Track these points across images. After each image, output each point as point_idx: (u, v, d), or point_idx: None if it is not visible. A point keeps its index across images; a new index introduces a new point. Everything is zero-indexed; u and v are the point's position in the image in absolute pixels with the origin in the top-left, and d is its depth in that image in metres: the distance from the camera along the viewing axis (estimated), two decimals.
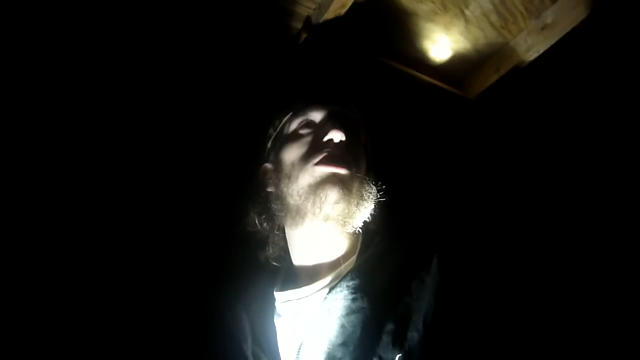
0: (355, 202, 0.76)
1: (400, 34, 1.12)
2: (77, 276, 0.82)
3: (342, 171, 0.75)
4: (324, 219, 0.75)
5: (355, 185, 0.76)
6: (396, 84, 1.15)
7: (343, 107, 0.90)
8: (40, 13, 0.88)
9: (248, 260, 0.87)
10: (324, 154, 0.76)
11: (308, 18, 1.06)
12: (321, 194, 0.74)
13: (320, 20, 1.02)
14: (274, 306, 0.81)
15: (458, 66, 1.15)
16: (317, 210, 0.75)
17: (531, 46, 0.99)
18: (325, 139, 0.79)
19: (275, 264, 0.88)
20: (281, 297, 0.80)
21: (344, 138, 0.77)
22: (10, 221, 0.81)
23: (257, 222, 0.86)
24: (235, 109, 1.06)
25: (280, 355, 0.75)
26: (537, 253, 0.73)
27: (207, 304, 0.81)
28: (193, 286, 0.87)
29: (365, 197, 0.78)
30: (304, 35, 1.09)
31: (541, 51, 0.97)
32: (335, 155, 0.77)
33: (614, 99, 0.91)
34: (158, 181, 0.97)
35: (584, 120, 0.97)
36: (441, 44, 1.11)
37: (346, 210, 0.75)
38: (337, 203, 0.74)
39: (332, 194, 0.74)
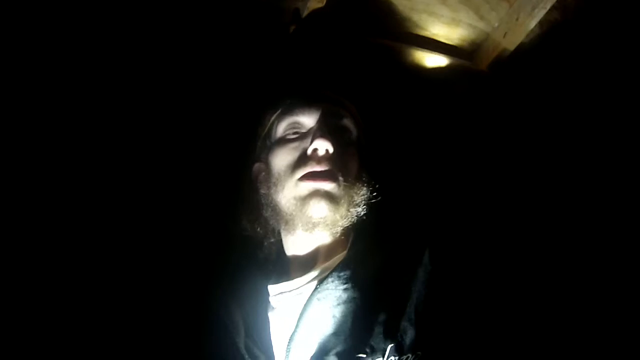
0: (344, 212, 0.76)
1: (394, 12, 1.06)
2: (74, 274, 0.86)
3: (327, 186, 0.75)
4: (313, 227, 0.76)
5: (343, 195, 0.76)
6: (398, 64, 1.10)
7: (333, 103, 0.87)
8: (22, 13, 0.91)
9: (243, 259, 0.88)
10: (308, 170, 0.76)
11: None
12: (307, 209, 0.75)
13: (310, 5, 1.00)
14: (267, 300, 0.82)
15: (463, 37, 1.08)
16: (306, 223, 0.76)
17: (537, 3, 0.90)
18: (310, 149, 0.78)
19: (270, 264, 0.89)
20: (274, 290, 0.81)
21: (330, 149, 0.76)
22: (5, 223, 0.87)
23: (250, 228, 0.87)
24: (228, 104, 1.07)
25: (274, 347, 0.76)
26: (531, 242, 0.70)
27: (200, 301, 0.83)
28: (187, 283, 0.89)
29: (356, 202, 0.78)
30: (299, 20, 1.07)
31: (548, 7, 0.88)
32: (319, 170, 0.76)
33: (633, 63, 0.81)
34: (152, 178, 0.99)
35: (606, 86, 0.87)
36: (440, 15, 1.04)
37: (335, 220, 0.76)
38: (325, 216, 0.75)
39: (318, 210, 0.74)
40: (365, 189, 0.79)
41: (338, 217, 0.75)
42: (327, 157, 0.76)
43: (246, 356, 0.72)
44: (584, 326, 0.58)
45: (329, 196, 0.74)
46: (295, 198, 0.77)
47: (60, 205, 0.91)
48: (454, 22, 1.05)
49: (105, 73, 0.99)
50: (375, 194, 0.79)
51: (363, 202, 0.78)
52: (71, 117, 0.97)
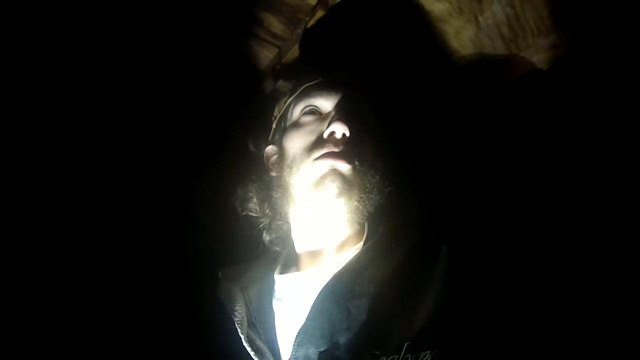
0: (357, 196, 0.77)
1: (409, 31, 1.12)
2: (77, 267, 0.80)
3: (343, 167, 0.76)
4: (325, 216, 0.77)
5: (357, 179, 0.77)
6: (393, 77, 1.15)
7: (351, 89, 0.88)
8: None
9: (249, 243, 0.86)
10: (325, 151, 0.77)
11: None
12: (321, 189, 0.75)
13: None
14: (274, 289, 0.80)
15: (460, 72, 1.19)
16: (318, 207, 0.77)
17: (536, 63, 1.04)
18: (327, 132, 0.78)
19: (277, 248, 0.87)
20: (281, 281, 0.79)
21: (347, 132, 0.77)
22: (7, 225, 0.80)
23: (259, 208, 0.85)
24: (242, 87, 1.05)
25: (278, 339, 0.75)
26: (556, 242, 0.75)
27: (204, 287, 0.80)
28: (191, 269, 0.85)
29: (369, 189, 0.79)
30: (317, 15, 1.07)
31: (545, 69, 1.02)
32: (336, 151, 0.77)
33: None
34: (160, 160, 0.95)
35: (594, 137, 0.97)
36: (449, 47, 1.13)
37: (348, 205, 0.77)
38: (338, 198, 0.75)
39: (332, 189, 0.75)
40: (379, 176, 0.81)
41: (351, 200, 0.76)
42: (343, 141, 0.77)
43: (248, 348, 0.71)
44: (610, 330, 0.62)
45: (343, 177, 0.75)
46: (310, 179, 0.77)
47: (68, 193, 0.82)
48: (457, 56, 1.15)
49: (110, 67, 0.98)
50: (388, 182, 0.82)
51: (376, 189, 0.80)
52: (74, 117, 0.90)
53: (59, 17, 0.92)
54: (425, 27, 1.10)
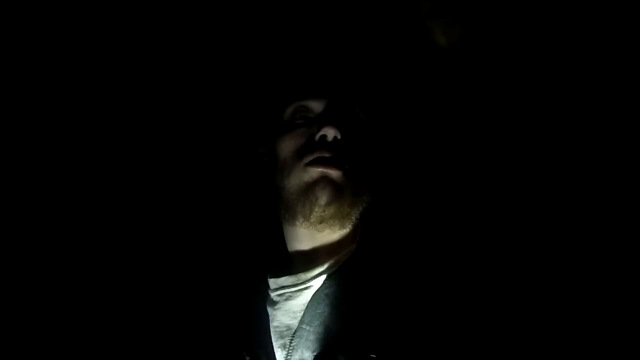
0: (349, 202, 0.75)
1: (398, 30, 1.11)
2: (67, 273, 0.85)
3: (334, 173, 0.74)
4: (316, 221, 0.75)
5: (349, 183, 0.75)
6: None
7: (343, 89, 0.87)
8: None
9: (241, 246, 0.85)
10: (317, 155, 0.75)
11: None
12: (312, 196, 0.73)
13: None
14: (267, 293, 0.79)
15: (452, 68, 1.18)
16: (308, 212, 0.74)
17: None
18: (318, 135, 0.77)
19: (270, 251, 0.86)
20: (275, 284, 0.78)
21: (338, 136, 0.76)
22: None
23: (252, 210, 0.83)
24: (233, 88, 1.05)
25: (273, 343, 0.73)
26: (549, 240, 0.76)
27: (195, 291, 0.79)
28: (181, 273, 0.84)
29: (361, 193, 0.78)
30: None
31: None
32: (327, 156, 0.75)
33: None
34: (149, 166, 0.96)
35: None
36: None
37: (339, 211, 0.75)
38: (329, 205, 0.73)
39: (323, 196, 0.73)
40: (371, 179, 0.80)
41: (342, 207, 0.75)
42: (335, 144, 0.76)
43: (243, 352, 0.70)
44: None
45: (334, 183, 0.74)
46: (300, 185, 0.75)
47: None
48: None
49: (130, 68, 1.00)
50: (381, 184, 0.81)
51: (368, 192, 0.79)
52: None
53: (60, 17, 0.93)
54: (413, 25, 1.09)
